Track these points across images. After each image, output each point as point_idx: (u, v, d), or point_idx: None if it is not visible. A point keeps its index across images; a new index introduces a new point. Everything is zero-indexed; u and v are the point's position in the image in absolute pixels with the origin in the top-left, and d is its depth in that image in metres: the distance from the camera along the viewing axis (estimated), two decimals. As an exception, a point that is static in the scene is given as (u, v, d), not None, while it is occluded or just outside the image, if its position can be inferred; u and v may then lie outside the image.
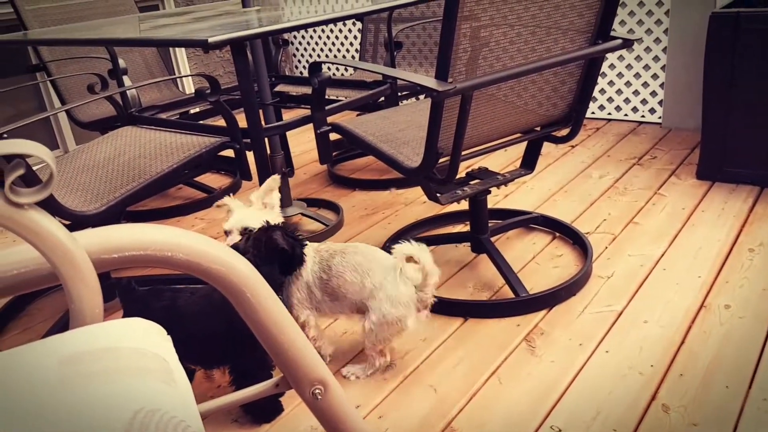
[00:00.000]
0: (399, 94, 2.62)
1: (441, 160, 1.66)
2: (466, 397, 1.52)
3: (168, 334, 0.59)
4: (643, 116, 3.44)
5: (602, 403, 1.46)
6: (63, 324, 2.05)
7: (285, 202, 2.56)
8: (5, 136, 1.49)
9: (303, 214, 2.60)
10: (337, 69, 4.65)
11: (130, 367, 0.55)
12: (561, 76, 1.79)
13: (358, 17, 2.89)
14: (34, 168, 1.55)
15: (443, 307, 1.87)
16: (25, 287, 0.67)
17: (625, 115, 3.50)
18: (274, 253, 1.47)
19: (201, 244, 0.69)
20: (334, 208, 2.76)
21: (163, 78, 3.10)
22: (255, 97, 2.05)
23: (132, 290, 1.49)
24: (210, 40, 1.26)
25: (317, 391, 0.80)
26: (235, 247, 1.56)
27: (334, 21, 1.69)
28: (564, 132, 1.93)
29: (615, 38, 1.77)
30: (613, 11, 1.72)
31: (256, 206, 1.72)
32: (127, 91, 2.26)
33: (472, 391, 1.55)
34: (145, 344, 0.59)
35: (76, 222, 1.61)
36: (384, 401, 1.55)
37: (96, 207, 1.63)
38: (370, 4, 1.94)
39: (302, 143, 3.71)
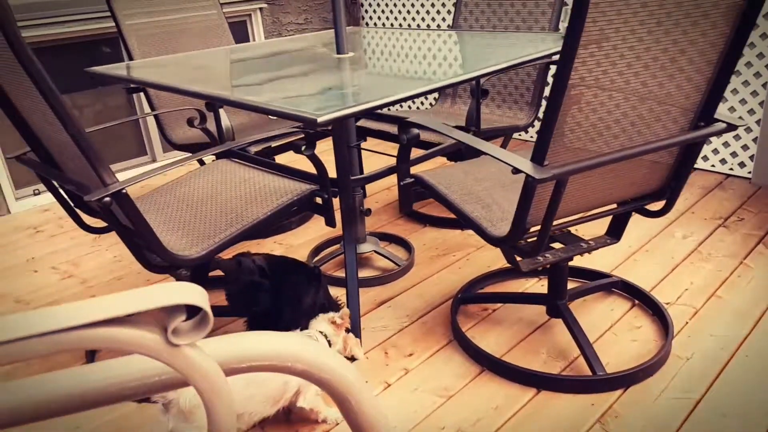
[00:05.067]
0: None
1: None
2: (537, 481, 1.52)
3: None
4: (731, 169, 3.32)
5: (677, 507, 1.43)
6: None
7: (360, 238, 2.59)
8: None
9: (376, 251, 2.63)
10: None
11: None
12: (660, 153, 1.75)
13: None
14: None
15: (516, 376, 1.87)
16: (143, 394, 0.73)
17: (712, 165, 3.39)
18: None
19: (316, 355, 0.75)
20: (405, 245, 2.78)
21: (261, 136, 3.19)
22: (347, 149, 2.09)
23: None
24: (319, 119, 1.30)
25: None
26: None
27: (432, 92, 1.70)
28: (658, 206, 1.89)
29: (718, 121, 1.72)
30: (719, 94, 1.67)
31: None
32: (222, 124, 2.34)
33: (542, 473, 1.54)
34: None
35: (176, 264, 1.68)
36: (453, 474, 1.56)
37: (197, 251, 1.70)
38: (463, 72, 1.93)
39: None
